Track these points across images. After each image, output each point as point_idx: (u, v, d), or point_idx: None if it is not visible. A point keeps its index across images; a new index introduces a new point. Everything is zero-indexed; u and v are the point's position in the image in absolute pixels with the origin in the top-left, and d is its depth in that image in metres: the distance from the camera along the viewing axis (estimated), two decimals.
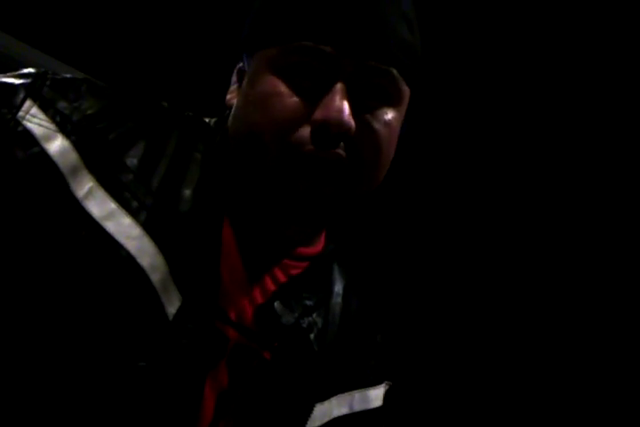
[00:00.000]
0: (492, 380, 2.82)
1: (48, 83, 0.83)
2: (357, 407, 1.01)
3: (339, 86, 0.83)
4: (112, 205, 0.79)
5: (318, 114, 0.82)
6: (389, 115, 0.88)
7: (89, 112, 0.83)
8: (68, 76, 0.87)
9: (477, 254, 2.87)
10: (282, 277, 0.92)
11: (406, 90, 0.90)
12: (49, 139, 0.80)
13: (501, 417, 2.76)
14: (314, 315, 0.95)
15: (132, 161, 0.82)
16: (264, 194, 0.86)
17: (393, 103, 0.88)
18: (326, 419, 0.96)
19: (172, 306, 0.79)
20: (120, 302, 0.77)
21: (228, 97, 0.94)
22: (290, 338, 0.91)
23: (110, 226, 0.78)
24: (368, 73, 0.85)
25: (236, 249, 0.88)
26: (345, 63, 0.83)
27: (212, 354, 0.83)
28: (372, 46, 0.84)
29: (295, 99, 0.83)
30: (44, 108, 0.81)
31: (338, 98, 0.82)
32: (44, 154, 0.79)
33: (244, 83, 0.90)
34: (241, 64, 0.94)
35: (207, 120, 0.96)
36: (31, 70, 0.85)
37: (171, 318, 0.78)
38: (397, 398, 1.09)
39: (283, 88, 0.83)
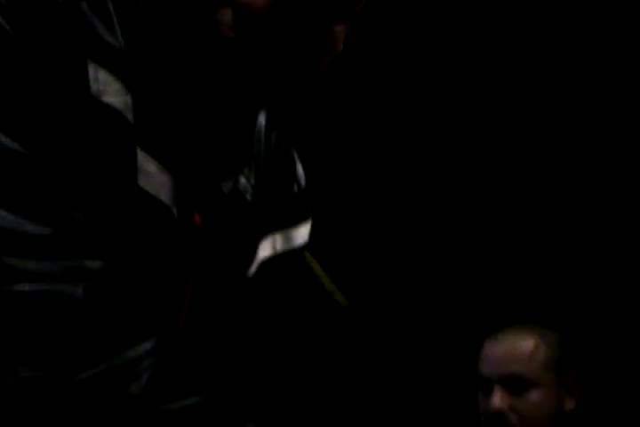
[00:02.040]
0: None
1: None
2: (280, 248, 0.95)
3: None
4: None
5: None
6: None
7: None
8: None
9: (473, 250, 2.87)
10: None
11: None
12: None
13: None
14: (245, 170, 0.89)
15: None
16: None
17: None
18: (255, 264, 0.91)
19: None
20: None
21: None
22: (229, 204, 0.86)
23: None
24: None
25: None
26: None
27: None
28: None
29: None
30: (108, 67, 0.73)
31: None
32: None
33: None
34: None
35: None
36: None
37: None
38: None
39: None
